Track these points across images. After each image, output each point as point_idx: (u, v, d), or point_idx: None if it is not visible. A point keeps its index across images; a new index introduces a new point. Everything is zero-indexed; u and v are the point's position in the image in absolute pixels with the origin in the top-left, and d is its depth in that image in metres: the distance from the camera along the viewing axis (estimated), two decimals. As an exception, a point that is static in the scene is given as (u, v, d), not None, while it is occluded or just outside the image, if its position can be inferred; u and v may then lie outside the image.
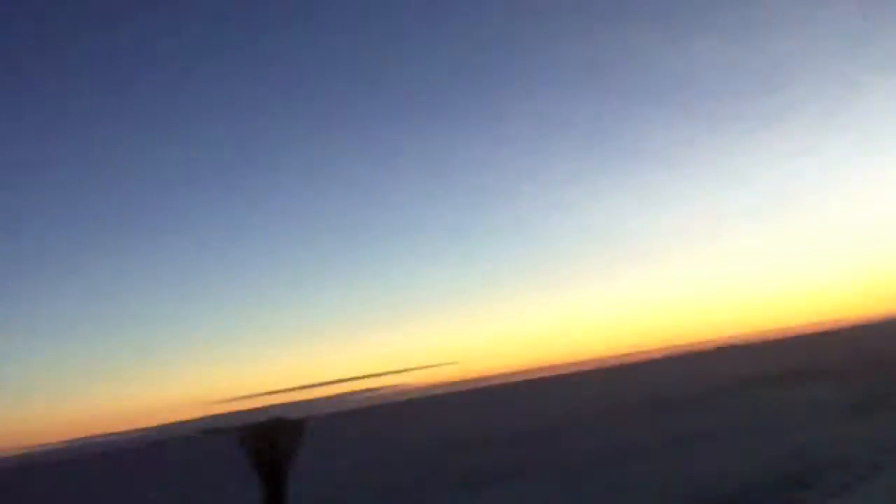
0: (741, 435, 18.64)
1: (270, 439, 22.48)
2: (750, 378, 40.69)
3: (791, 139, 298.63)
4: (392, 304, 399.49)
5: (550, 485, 15.86)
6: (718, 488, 12.37)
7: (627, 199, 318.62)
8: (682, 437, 19.94)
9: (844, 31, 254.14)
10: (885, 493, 10.35)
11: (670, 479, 14.02)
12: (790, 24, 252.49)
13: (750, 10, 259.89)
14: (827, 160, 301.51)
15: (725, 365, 73.32)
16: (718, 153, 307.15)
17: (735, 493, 11.89)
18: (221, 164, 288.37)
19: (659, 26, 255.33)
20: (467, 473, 19.91)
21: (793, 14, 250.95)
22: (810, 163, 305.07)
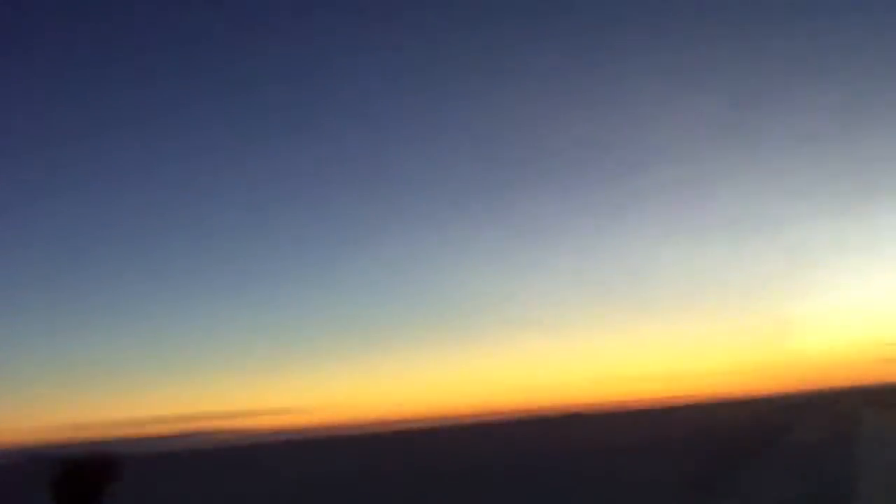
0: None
1: (79, 475, 20.71)
2: (584, 449, 40.85)
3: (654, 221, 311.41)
4: (242, 343, 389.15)
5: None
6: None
7: (484, 268, 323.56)
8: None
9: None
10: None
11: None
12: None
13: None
14: (688, 242, 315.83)
15: (570, 434, 74.19)
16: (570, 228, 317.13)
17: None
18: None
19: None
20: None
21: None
22: (672, 243, 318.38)
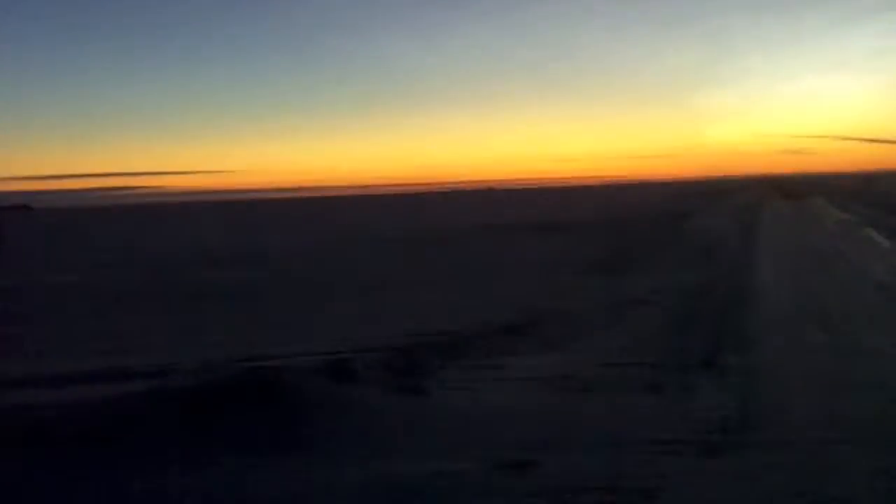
0: (474, 280, 18.29)
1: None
2: (493, 226, 41.18)
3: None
4: (164, 100, 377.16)
5: (259, 305, 14.89)
6: (435, 327, 11.62)
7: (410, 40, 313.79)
8: (415, 278, 19.39)
9: None
10: (593, 349, 10.10)
11: (395, 311, 13.39)
12: None
13: None
14: (615, 24, 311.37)
15: (478, 209, 75.19)
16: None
17: (453, 332, 11.27)
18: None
19: None
20: (193, 291, 18.37)
21: None
22: (596, 27, 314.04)
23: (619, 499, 5.17)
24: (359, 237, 37.06)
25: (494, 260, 22.59)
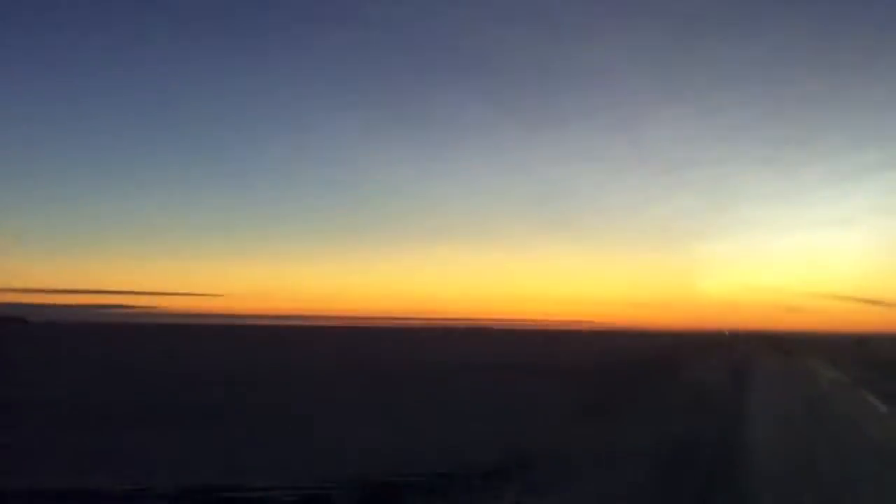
0: (462, 419, 18.00)
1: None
2: (485, 365, 40.91)
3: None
4: (162, 220, 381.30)
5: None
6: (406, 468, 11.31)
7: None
8: (404, 413, 19.08)
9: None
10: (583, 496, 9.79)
11: (380, 446, 13.08)
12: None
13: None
14: (613, 166, 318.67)
15: (470, 346, 74.86)
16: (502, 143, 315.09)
17: (436, 472, 10.96)
18: None
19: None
20: (175, 412, 18.05)
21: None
22: (596, 167, 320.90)
23: None
24: (348, 368, 36.72)
25: (485, 399, 22.27)
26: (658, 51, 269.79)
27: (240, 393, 22.42)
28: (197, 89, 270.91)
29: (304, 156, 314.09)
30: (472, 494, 9.97)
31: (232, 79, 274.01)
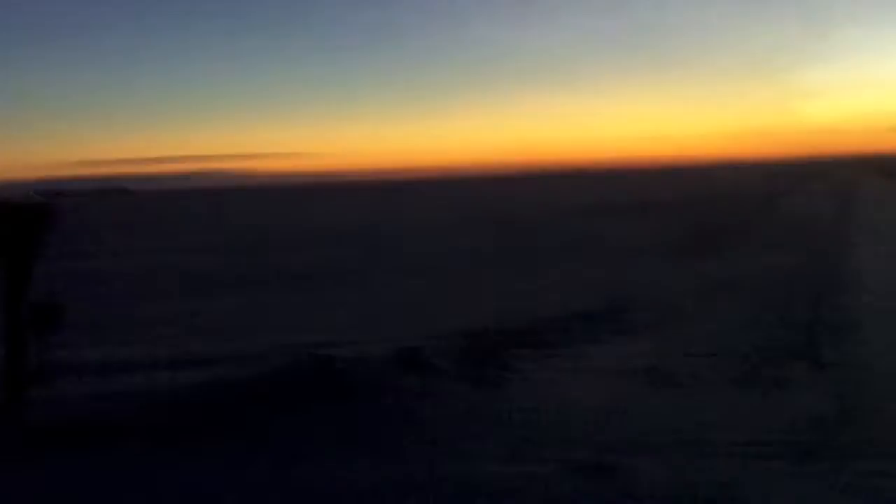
0: (559, 264, 17.88)
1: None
2: (584, 208, 40.54)
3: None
4: (260, 83, 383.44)
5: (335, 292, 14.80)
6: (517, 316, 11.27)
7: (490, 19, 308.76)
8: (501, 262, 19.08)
9: None
10: (679, 338, 9.62)
11: (476, 295, 13.12)
12: None
13: None
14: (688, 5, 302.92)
15: (567, 190, 74.31)
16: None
17: (533, 318, 10.94)
18: None
19: None
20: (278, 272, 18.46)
21: None
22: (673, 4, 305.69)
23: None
24: (448, 220, 36.71)
25: (583, 244, 22.05)
26: None
27: (346, 250, 22.81)
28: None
29: (396, 9, 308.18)
30: (572, 339, 9.88)
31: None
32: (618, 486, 5.08)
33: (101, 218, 49.95)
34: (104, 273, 19.77)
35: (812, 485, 5.04)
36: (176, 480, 5.46)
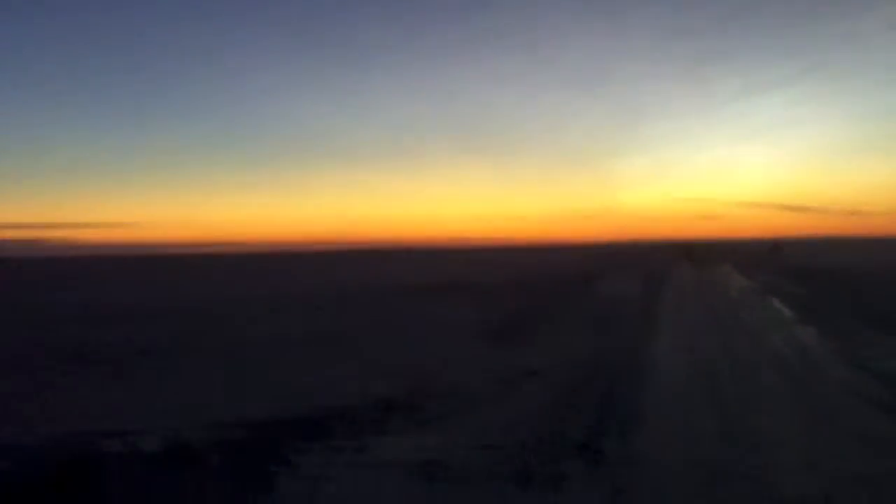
0: (362, 346, 17.46)
1: None
2: (399, 287, 40.52)
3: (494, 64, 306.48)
4: (78, 150, 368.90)
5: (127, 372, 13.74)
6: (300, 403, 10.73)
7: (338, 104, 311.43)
8: (299, 342, 18.45)
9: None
10: (472, 427, 9.38)
11: (267, 379, 12.46)
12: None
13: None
14: (530, 89, 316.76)
15: (387, 269, 74.53)
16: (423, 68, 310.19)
17: (325, 406, 10.43)
18: None
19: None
20: (68, 350, 17.10)
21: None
22: (513, 90, 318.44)
23: None
24: (262, 297, 35.75)
25: (392, 325, 21.76)
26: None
27: (143, 327, 21.50)
28: (95, 17, 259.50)
29: (210, 86, 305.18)
30: (361, 430, 9.46)
31: (130, 7, 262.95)
32: None
33: None
34: None
35: None
36: None
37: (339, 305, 28.75)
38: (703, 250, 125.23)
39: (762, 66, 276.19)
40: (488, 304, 27.47)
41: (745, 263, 64.29)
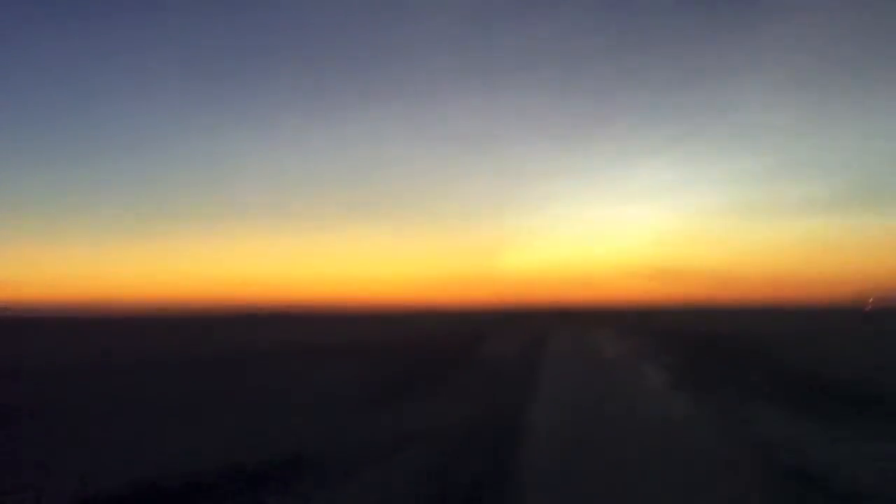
0: (226, 413, 16.82)
1: None
2: (276, 349, 39.74)
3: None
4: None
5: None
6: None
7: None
8: (160, 409, 17.69)
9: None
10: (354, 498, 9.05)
11: (120, 448, 11.78)
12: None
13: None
14: (411, 144, 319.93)
15: (271, 331, 73.25)
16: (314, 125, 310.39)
17: (181, 476, 9.89)
18: None
19: None
20: None
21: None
22: (394, 145, 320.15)
23: None
24: (110, 361, 33.87)
25: (269, 389, 21.13)
26: (457, 27, 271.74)
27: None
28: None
29: (91, 147, 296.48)
30: (223, 496, 9.00)
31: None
32: None
33: None
34: None
35: None
36: None
37: (217, 368, 27.83)
38: (580, 315, 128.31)
39: (639, 131, 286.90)
40: (375, 367, 27.18)
41: (620, 329, 65.99)
